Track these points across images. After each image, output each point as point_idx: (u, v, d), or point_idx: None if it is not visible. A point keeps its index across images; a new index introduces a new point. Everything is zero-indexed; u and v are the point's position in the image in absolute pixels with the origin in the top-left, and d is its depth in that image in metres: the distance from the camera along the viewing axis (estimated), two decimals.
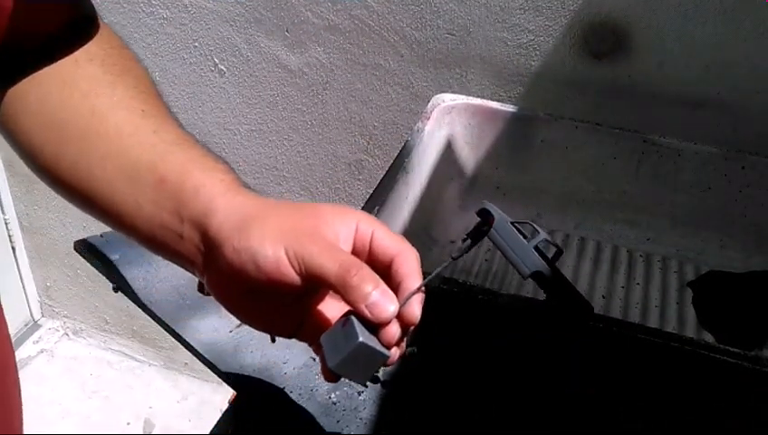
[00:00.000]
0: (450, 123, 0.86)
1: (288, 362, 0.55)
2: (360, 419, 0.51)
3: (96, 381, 1.65)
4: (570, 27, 0.91)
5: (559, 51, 0.93)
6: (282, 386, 0.53)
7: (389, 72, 1.05)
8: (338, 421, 0.51)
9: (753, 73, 0.86)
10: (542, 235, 0.41)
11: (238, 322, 0.58)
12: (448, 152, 0.86)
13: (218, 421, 0.54)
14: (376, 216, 0.70)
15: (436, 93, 0.88)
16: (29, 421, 1.54)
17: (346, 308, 0.43)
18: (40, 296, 1.73)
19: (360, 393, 0.53)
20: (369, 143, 1.14)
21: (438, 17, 0.97)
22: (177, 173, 0.40)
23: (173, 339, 0.58)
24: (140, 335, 1.65)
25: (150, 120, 0.43)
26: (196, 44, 1.15)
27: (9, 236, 1.59)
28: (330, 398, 0.52)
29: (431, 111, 0.84)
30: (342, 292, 0.37)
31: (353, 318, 0.37)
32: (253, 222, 0.38)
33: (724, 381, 0.54)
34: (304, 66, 1.10)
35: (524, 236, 0.42)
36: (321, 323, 0.43)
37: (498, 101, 0.90)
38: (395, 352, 0.39)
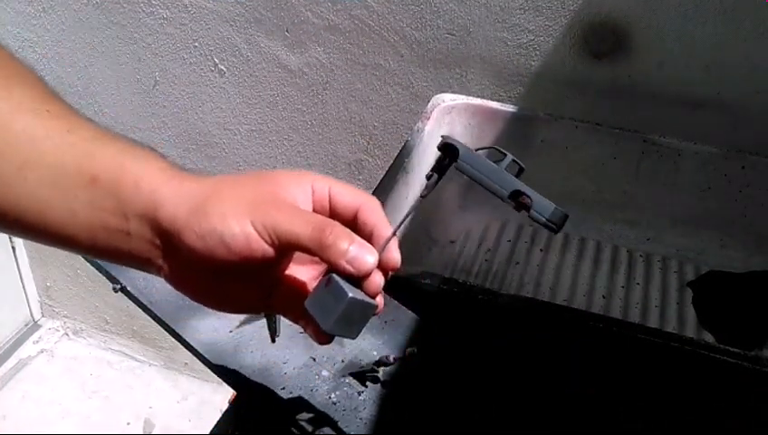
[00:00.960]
0: (450, 123, 0.86)
1: (288, 362, 0.55)
2: (360, 419, 0.51)
3: (96, 381, 1.65)
4: (570, 27, 0.91)
5: (559, 51, 0.93)
6: (282, 386, 0.53)
7: (389, 72, 1.05)
8: (338, 421, 0.51)
9: (753, 73, 0.86)
10: (509, 156, 0.42)
11: (238, 322, 0.58)
12: None
13: (218, 421, 0.54)
14: None
15: (436, 93, 0.88)
16: (29, 421, 1.55)
17: (313, 269, 0.43)
18: (40, 296, 1.73)
19: (360, 393, 0.53)
20: (369, 143, 1.14)
21: (438, 17, 0.97)
22: (110, 169, 0.37)
23: (173, 339, 0.58)
24: (140, 335, 1.65)
25: (61, 120, 0.39)
26: (196, 44, 1.15)
27: (9, 236, 1.59)
28: (330, 398, 0.52)
29: (431, 111, 0.84)
30: (319, 252, 0.36)
31: (335, 276, 0.38)
32: (208, 203, 0.36)
33: (724, 381, 0.54)
34: (304, 66, 1.10)
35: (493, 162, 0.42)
36: (293, 289, 0.42)
37: (498, 101, 0.90)
38: (380, 301, 0.40)
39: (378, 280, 0.38)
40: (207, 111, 1.23)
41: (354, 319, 0.38)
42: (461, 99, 0.86)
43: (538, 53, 0.94)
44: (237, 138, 1.24)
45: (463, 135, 0.87)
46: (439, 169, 0.42)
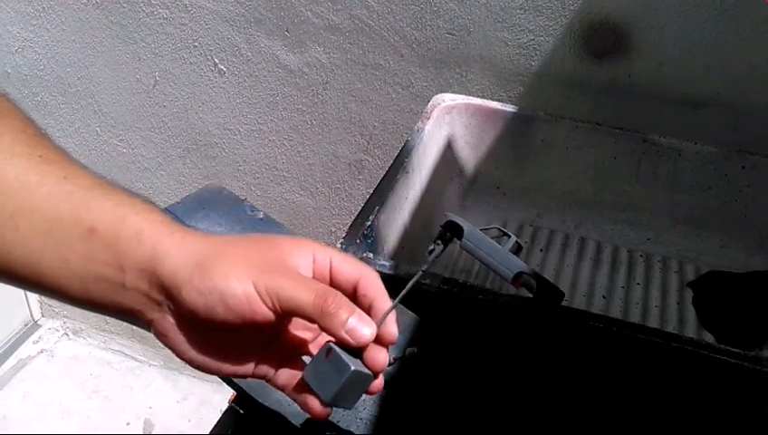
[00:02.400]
0: (450, 123, 0.86)
1: None
2: (360, 419, 0.51)
3: (96, 381, 1.65)
4: (570, 27, 0.91)
5: (559, 51, 0.93)
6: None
7: (389, 72, 1.05)
8: (338, 421, 0.51)
9: (753, 73, 0.86)
10: (513, 238, 0.44)
11: None
12: (448, 152, 0.86)
13: (218, 421, 0.54)
14: (376, 216, 0.70)
15: (436, 93, 0.88)
16: (29, 421, 1.55)
17: (306, 336, 0.43)
18: (39, 296, 1.73)
19: None
20: (369, 143, 1.14)
21: (438, 17, 0.97)
22: (109, 221, 0.36)
23: None
24: (140, 335, 1.65)
25: (55, 165, 0.37)
26: (196, 44, 1.15)
27: None
28: None
29: (431, 111, 0.84)
30: (320, 321, 0.37)
31: (335, 347, 0.38)
32: (213, 261, 0.36)
33: (724, 381, 0.54)
34: (304, 66, 1.10)
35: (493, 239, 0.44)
36: (287, 355, 0.42)
37: (498, 100, 0.90)
38: (380, 382, 0.40)
39: (381, 358, 0.39)
40: (207, 111, 1.23)
41: (353, 390, 0.39)
42: (461, 99, 0.86)
43: (538, 52, 0.94)
44: (237, 138, 1.24)
45: (463, 135, 0.87)
46: (443, 241, 0.43)
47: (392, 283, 0.62)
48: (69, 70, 1.28)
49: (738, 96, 0.88)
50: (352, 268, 0.40)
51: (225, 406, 0.55)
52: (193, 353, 0.39)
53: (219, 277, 0.35)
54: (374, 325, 0.38)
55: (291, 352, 0.42)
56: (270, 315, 0.36)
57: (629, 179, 0.83)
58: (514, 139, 0.86)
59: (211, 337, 0.38)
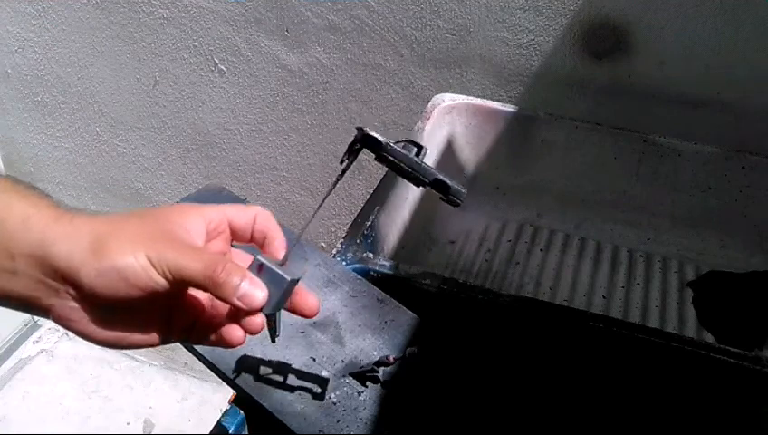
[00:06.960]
0: (450, 123, 0.86)
1: (288, 362, 0.55)
2: (360, 419, 0.51)
3: (96, 381, 1.65)
4: (570, 27, 0.91)
5: (559, 51, 0.93)
6: (282, 386, 0.53)
7: (389, 72, 1.05)
8: (338, 421, 0.51)
9: (753, 73, 0.86)
10: (425, 148, 0.47)
11: None
12: (448, 152, 0.87)
13: (218, 421, 0.54)
14: (375, 216, 0.70)
15: (436, 93, 0.88)
16: (29, 421, 1.54)
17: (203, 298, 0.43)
18: None
19: (359, 393, 0.53)
20: None
21: (438, 17, 0.97)
22: None
23: None
24: None
25: None
26: (196, 44, 1.15)
27: None
28: (330, 398, 0.52)
29: (431, 111, 0.84)
30: (212, 289, 0.38)
31: (264, 262, 0.39)
32: (106, 240, 0.37)
33: (724, 381, 0.54)
34: (304, 66, 1.10)
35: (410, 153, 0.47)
36: (191, 314, 0.42)
37: (498, 101, 0.90)
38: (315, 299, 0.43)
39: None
40: (207, 111, 1.23)
41: (284, 297, 0.40)
42: (461, 99, 0.86)
43: (538, 53, 0.94)
44: (237, 138, 1.24)
45: (463, 135, 0.87)
46: (351, 155, 0.44)
47: (392, 283, 0.62)
48: (69, 70, 1.28)
49: (738, 96, 0.88)
50: (245, 213, 0.42)
51: (225, 406, 0.55)
52: (100, 332, 0.39)
53: (115, 255, 0.36)
54: (265, 289, 0.39)
55: (193, 316, 0.43)
56: (165, 285, 0.37)
57: (629, 179, 0.83)
58: (514, 139, 0.86)
59: (116, 313, 0.39)
